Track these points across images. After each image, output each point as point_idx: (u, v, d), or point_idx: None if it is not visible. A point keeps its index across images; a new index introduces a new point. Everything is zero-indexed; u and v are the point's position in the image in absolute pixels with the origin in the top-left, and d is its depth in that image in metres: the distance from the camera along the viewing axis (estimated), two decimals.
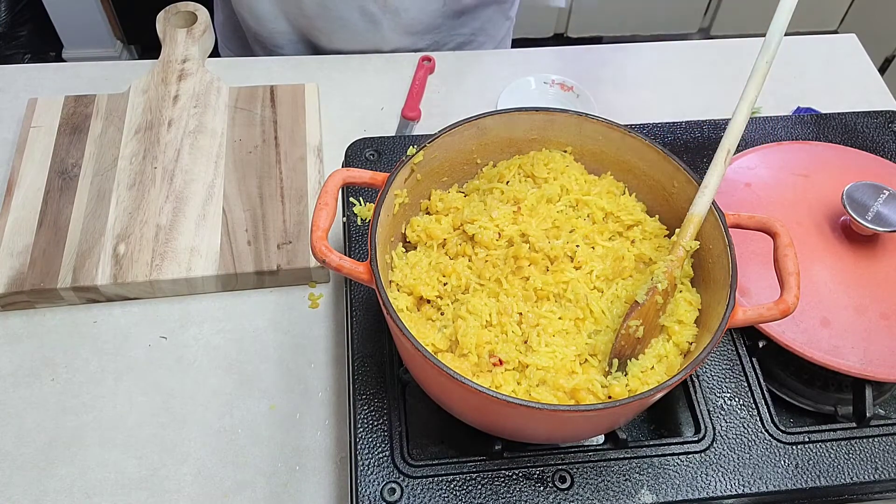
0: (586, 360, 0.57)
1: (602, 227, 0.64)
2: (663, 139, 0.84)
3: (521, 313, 0.58)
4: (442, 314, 0.60)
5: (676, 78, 1.06)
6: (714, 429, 0.64)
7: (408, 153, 0.62)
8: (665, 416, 0.68)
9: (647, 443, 0.63)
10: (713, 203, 0.59)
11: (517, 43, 1.20)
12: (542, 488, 0.60)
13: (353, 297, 0.71)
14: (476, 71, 1.04)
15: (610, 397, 0.55)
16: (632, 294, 0.59)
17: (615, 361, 0.56)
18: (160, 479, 0.70)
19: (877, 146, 0.86)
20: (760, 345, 0.67)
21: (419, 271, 0.61)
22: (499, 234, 0.62)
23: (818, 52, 1.10)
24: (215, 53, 1.11)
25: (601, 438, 0.64)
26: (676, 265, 0.58)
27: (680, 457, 0.62)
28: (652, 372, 0.56)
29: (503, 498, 0.60)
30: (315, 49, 1.10)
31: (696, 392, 0.65)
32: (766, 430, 0.64)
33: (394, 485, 0.60)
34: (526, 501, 0.60)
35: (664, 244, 0.64)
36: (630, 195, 0.67)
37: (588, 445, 0.63)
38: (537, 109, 0.66)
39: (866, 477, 0.62)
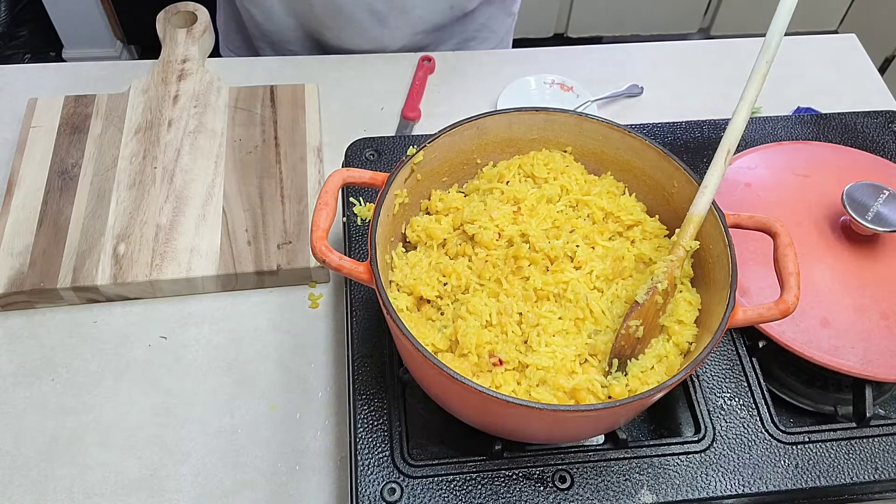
0: (586, 360, 0.57)
1: (602, 227, 0.64)
2: (663, 139, 0.84)
3: (521, 313, 0.58)
4: (442, 314, 0.60)
5: (676, 78, 1.06)
6: (714, 429, 0.64)
7: (408, 153, 0.62)
8: (665, 416, 0.67)
9: (647, 443, 0.63)
10: (713, 203, 0.59)
11: (517, 43, 1.20)
12: (542, 488, 0.60)
13: (353, 297, 0.71)
14: (476, 71, 1.04)
15: (610, 397, 0.55)
16: (632, 294, 0.59)
17: (615, 361, 0.56)
18: (160, 479, 0.70)
19: (877, 146, 0.86)
20: (760, 345, 0.67)
21: (419, 271, 0.61)
22: (499, 234, 0.62)
23: (818, 52, 1.10)
24: (216, 53, 1.11)
25: (601, 438, 0.64)
26: (676, 265, 0.58)
27: (680, 457, 0.62)
28: (652, 372, 0.56)
29: (503, 498, 0.60)
30: (322, 46, 1.10)
31: (696, 392, 0.65)
32: (766, 430, 0.64)
33: (394, 485, 0.60)
34: (526, 501, 0.60)
35: (664, 244, 0.64)
36: (630, 195, 0.67)
37: (588, 445, 0.63)
38: (537, 109, 0.66)
39: (866, 477, 0.62)
